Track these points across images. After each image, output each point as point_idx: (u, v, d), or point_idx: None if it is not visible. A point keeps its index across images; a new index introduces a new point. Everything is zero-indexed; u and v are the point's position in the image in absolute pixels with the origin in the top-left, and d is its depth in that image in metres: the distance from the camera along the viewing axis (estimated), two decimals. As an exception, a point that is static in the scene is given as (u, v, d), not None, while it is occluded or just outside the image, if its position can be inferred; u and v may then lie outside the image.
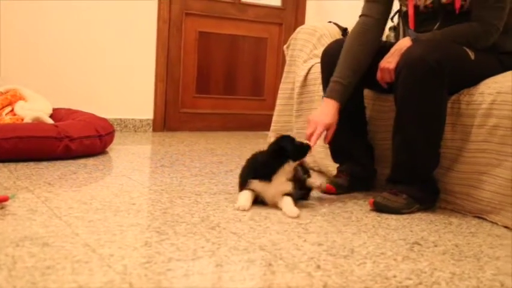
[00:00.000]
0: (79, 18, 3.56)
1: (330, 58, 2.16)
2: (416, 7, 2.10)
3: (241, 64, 4.26)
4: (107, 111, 3.54)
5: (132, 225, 1.56)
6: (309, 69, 2.71)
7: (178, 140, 3.56)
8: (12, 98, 2.95)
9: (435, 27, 2.05)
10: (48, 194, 1.85)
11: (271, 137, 2.95)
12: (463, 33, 1.95)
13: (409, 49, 1.90)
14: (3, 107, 2.90)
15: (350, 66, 2.04)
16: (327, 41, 2.73)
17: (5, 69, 3.37)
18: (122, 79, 3.75)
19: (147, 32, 3.80)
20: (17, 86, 3.09)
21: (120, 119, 3.77)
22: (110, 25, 3.66)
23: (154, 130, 3.91)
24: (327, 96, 2.04)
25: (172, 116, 4.01)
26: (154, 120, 3.91)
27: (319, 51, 2.73)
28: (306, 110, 2.68)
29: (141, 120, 3.86)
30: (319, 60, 2.69)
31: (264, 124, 4.12)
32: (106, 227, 1.52)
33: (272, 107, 3.76)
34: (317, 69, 2.61)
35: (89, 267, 1.20)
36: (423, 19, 2.10)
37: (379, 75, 2.02)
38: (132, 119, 3.82)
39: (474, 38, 1.95)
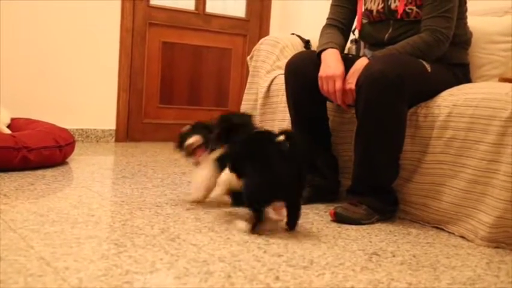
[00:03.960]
0: (39, 26, 3.50)
1: (293, 69, 2.18)
2: (369, 12, 2.17)
3: (206, 74, 4.25)
4: (68, 121, 3.48)
5: (90, 237, 1.53)
6: (272, 81, 2.73)
7: (141, 150, 3.52)
8: (-32, 108, 2.87)
9: (386, 35, 2.12)
10: (4, 206, 1.80)
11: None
12: (415, 45, 2.01)
13: (368, 65, 1.94)
14: (-42, 117, 2.82)
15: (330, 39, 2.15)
16: (289, 53, 2.76)
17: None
18: (84, 88, 3.69)
19: (110, 42, 3.77)
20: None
21: (82, 129, 3.71)
22: (72, 34, 3.61)
23: (116, 140, 3.86)
24: (324, 49, 2.09)
25: (135, 126, 3.97)
26: (117, 130, 3.87)
27: (282, 62, 2.76)
28: (269, 121, 2.69)
29: (103, 131, 3.81)
30: (282, 71, 2.72)
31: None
32: (62, 240, 1.48)
33: (236, 117, 3.75)
34: (280, 80, 2.63)
35: (42, 281, 1.17)
36: (375, 27, 2.17)
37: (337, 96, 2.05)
38: (94, 129, 3.77)
39: (426, 47, 2.01)
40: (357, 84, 1.95)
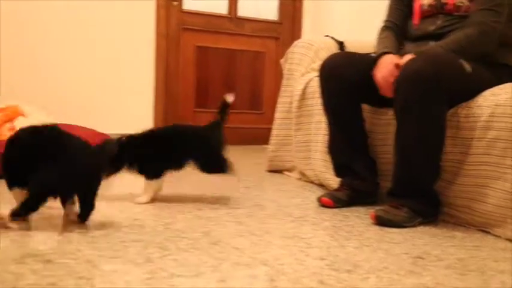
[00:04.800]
0: (78, 35, 3.58)
1: (329, 71, 2.17)
2: (421, 6, 2.16)
3: (240, 78, 4.27)
4: (107, 126, 3.54)
5: (135, 240, 1.55)
6: (307, 83, 2.73)
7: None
8: (12, 114, 2.95)
9: (433, 28, 2.10)
10: (51, 210, 1.84)
11: (273, 150, 2.95)
12: (459, 40, 1.98)
13: (406, 64, 1.92)
14: (3, 123, 2.90)
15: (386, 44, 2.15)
16: (324, 55, 2.75)
17: (5, 86, 3.38)
18: (121, 94, 3.76)
19: (145, 48, 3.82)
20: (17, 102, 3.09)
21: (121, 134, 3.76)
22: (109, 41, 3.68)
23: (153, 145, 3.91)
24: (380, 55, 2.07)
25: (171, 130, 4.01)
26: (154, 134, 3.91)
27: (317, 64, 2.75)
28: (306, 124, 2.69)
29: (140, 135, 3.86)
30: (317, 73, 2.71)
31: (262, 138, 4.12)
32: (108, 243, 1.51)
33: (271, 120, 3.76)
34: (316, 82, 2.62)
35: (91, 283, 1.19)
36: (424, 21, 2.14)
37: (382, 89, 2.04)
38: (132, 134, 3.82)
39: (471, 42, 1.98)
40: (395, 83, 1.93)
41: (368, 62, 2.10)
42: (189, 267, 1.35)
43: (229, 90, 4.24)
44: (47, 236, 1.54)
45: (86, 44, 3.60)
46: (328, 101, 2.21)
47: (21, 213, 1.59)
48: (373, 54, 2.16)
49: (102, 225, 1.69)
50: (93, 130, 3.01)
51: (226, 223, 1.82)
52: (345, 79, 2.12)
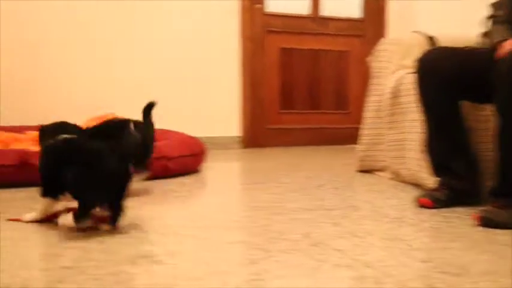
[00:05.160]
0: (165, 42, 3.71)
1: (426, 66, 2.11)
2: None
3: (324, 78, 4.26)
4: (196, 130, 3.64)
5: (238, 242, 1.59)
6: (399, 81, 2.67)
7: (266, 156, 3.60)
8: (110, 121, 3.11)
9: None
10: (155, 212, 1.93)
11: (363, 150, 2.92)
12: None
13: (510, 55, 1.83)
14: (102, 130, 3.06)
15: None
16: (414, 51, 2.68)
17: (100, 96, 3.56)
18: (208, 98, 3.85)
19: (231, 51, 3.90)
20: (111, 110, 3.25)
21: (209, 137, 3.86)
22: (195, 47, 3.78)
23: (242, 147, 3.98)
24: (499, 42, 1.97)
25: (258, 132, 4.07)
26: (243, 137, 3.98)
27: (408, 61, 2.69)
28: (399, 122, 2.63)
29: (229, 138, 3.95)
30: (408, 70, 2.65)
31: (349, 137, 4.09)
32: (214, 245, 1.56)
33: (357, 120, 3.73)
34: (407, 79, 2.57)
35: (205, 284, 1.24)
36: None
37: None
38: (221, 137, 3.91)
39: None
40: (496, 78, 1.85)
41: (469, 55, 2.03)
42: (292, 269, 1.36)
43: (314, 90, 4.24)
44: (155, 238, 1.61)
45: (173, 49, 3.72)
46: (425, 98, 2.14)
47: (82, 222, 1.61)
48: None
49: (204, 227, 1.74)
50: (185, 134, 3.12)
51: (323, 224, 1.82)
52: (444, 74, 2.05)
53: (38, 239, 1.58)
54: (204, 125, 3.85)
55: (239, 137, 3.98)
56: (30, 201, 2.02)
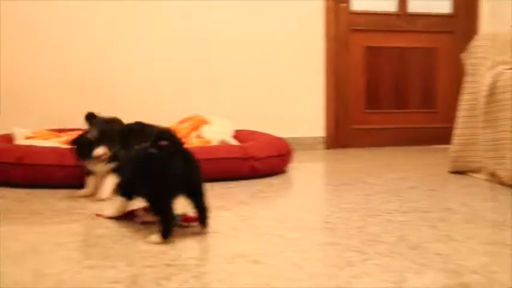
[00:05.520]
0: (250, 44, 3.74)
1: None
2: None
3: (411, 76, 4.13)
4: (280, 131, 3.65)
5: (331, 243, 1.57)
6: (497, 77, 2.54)
7: (352, 156, 3.54)
8: (198, 123, 3.18)
9: None
10: (244, 212, 1.95)
11: (456, 151, 2.79)
12: None
13: None
14: (191, 131, 3.14)
15: None
16: (514, 46, 2.54)
17: (189, 97, 3.65)
18: (292, 99, 3.85)
19: (315, 51, 3.88)
20: (201, 111, 3.33)
21: (293, 138, 3.85)
22: (279, 47, 3.79)
23: (326, 147, 3.95)
24: None
25: (343, 132, 4.02)
26: (326, 137, 3.95)
27: (506, 57, 2.56)
28: (496, 120, 2.50)
29: (313, 138, 3.92)
30: (506, 66, 2.52)
31: (437, 137, 3.94)
32: (307, 246, 1.55)
33: (446, 119, 3.59)
34: (508, 76, 2.44)
35: (300, 285, 1.23)
36: None
37: None
38: (305, 137, 3.90)
39: None
40: None
41: None
42: (393, 273, 1.32)
43: (400, 89, 4.12)
44: (247, 237, 1.62)
45: (257, 50, 3.75)
46: None
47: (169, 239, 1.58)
48: None
49: (296, 228, 1.74)
50: (270, 135, 3.13)
51: (419, 227, 1.76)
52: None
53: (136, 236, 1.63)
54: (288, 125, 3.85)
55: (323, 137, 3.94)
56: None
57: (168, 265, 1.35)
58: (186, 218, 1.71)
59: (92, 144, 2.06)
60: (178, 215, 1.69)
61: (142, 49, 3.59)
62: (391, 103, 4.13)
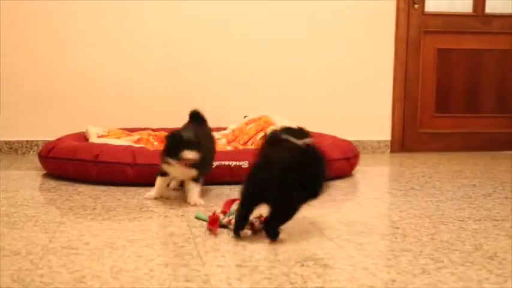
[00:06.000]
0: (317, 43, 3.72)
1: None
2: None
3: (485, 80, 3.97)
4: (345, 133, 3.60)
5: (404, 250, 1.54)
6: None
7: (420, 161, 3.45)
8: (264, 124, 3.19)
9: None
10: (313, 215, 1.93)
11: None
12: None
13: None
14: (257, 132, 3.16)
15: None
16: None
17: (256, 98, 3.68)
18: (358, 101, 3.79)
19: (384, 53, 3.80)
20: (267, 112, 3.34)
21: (358, 141, 3.80)
22: (347, 48, 3.75)
23: (392, 151, 3.86)
24: None
25: (410, 136, 3.92)
26: (392, 141, 3.87)
27: None
28: None
29: (379, 141, 3.85)
30: None
31: (511, 143, 3.78)
32: (378, 251, 1.52)
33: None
34: None
35: (375, 291, 1.21)
36: None
37: None
38: (370, 140, 3.83)
39: None
40: None
41: None
42: (470, 283, 1.28)
43: (472, 92, 3.98)
44: (317, 241, 1.61)
45: (324, 50, 3.72)
46: None
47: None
48: None
49: (365, 233, 1.71)
50: (336, 137, 3.10)
51: (497, 236, 1.69)
52: None
53: (206, 236, 1.65)
54: (353, 128, 3.79)
55: (389, 140, 3.86)
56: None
57: (240, 266, 1.36)
58: (261, 220, 1.69)
59: (183, 145, 1.98)
60: (255, 217, 1.68)
61: (203, 52, 3.63)
62: (462, 107, 3.99)
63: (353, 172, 2.90)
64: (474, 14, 3.91)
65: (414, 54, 3.87)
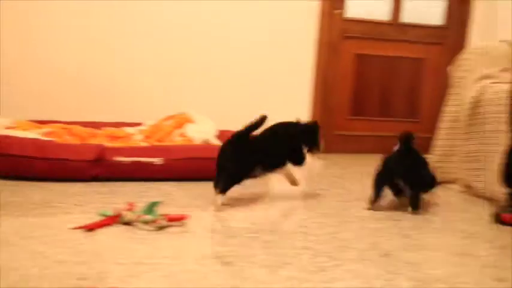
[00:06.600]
0: (239, 45, 3.74)
1: None
2: None
3: (398, 85, 4.16)
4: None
5: (305, 248, 1.58)
6: (482, 90, 2.56)
7: (333, 162, 3.55)
8: (182, 121, 3.17)
9: None
10: (221, 213, 1.95)
11: (436, 161, 2.81)
12: None
13: None
14: (174, 129, 3.13)
15: None
16: (500, 61, 2.58)
17: (175, 95, 3.65)
18: (279, 102, 3.85)
19: (305, 56, 3.88)
20: (185, 109, 3.32)
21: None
22: (269, 50, 3.79)
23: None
24: None
25: (325, 137, 4.02)
26: (309, 142, 3.96)
27: (492, 71, 2.60)
28: (478, 133, 2.53)
29: (296, 142, 3.93)
30: (492, 81, 2.55)
31: (418, 147, 3.96)
32: (280, 249, 1.56)
33: (428, 129, 3.61)
34: (491, 89, 2.48)
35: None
36: None
37: None
38: (288, 141, 3.90)
39: None
40: None
41: None
42: (363, 279, 1.34)
43: (386, 97, 4.15)
44: (220, 239, 1.63)
45: (246, 53, 3.75)
46: None
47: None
48: None
49: (271, 231, 1.74)
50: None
51: (392, 235, 1.78)
52: None
53: (111, 233, 1.63)
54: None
55: (307, 141, 3.95)
56: (111, 196, 2.09)
57: (138, 263, 1.35)
58: (168, 218, 1.70)
59: None
60: (160, 215, 1.69)
61: (126, 46, 3.57)
62: (376, 111, 4.15)
63: (268, 171, 2.95)
64: (392, 22, 4.08)
65: (334, 58, 3.98)
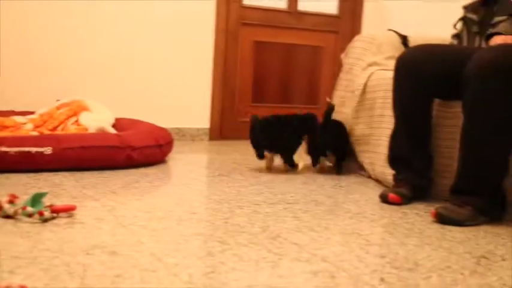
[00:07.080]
0: (137, 31, 3.67)
1: (407, 68, 2.11)
2: None
3: (297, 73, 4.26)
4: (165, 121, 3.62)
5: (195, 234, 1.58)
6: (369, 77, 2.69)
7: (234, 148, 3.59)
8: (77, 109, 3.06)
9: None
10: (113, 202, 1.91)
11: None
12: None
13: (480, 53, 1.87)
14: (68, 117, 3.02)
15: None
16: (386, 49, 2.71)
17: (70, 81, 3.51)
18: (179, 89, 3.83)
19: (204, 43, 3.87)
20: (81, 97, 3.21)
21: (178, 128, 3.84)
22: (168, 36, 3.75)
23: (210, 139, 3.97)
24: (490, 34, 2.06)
25: (228, 124, 4.06)
26: (211, 129, 3.97)
27: (379, 59, 2.71)
28: (366, 117, 2.65)
29: (198, 129, 3.93)
30: (379, 67, 2.67)
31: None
32: (170, 236, 1.55)
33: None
34: (378, 76, 2.60)
35: (156, 276, 1.23)
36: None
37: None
38: (189, 128, 3.89)
39: None
40: (465, 75, 1.87)
41: (449, 52, 2.08)
42: (249, 262, 1.36)
43: (286, 84, 4.24)
44: (110, 228, 1.60)
45: (145, 41, 3.68)
46: (401, 98, 2.15)
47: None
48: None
49: (162, 219, 1.73)
50: (153, 124, 3.09)
51: (284, 218, 1.83)
52: (423, 77, 2.07)
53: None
54: (173, 115, 3.82)
55: (208, 128, 3.96)
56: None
57: (17, 257, 1.29)
58: (53, 209, 1.64)
59: None
60: (45, 206, 1.64)
61: (15, 30, 3.39)
62: (277, 97, 4.24)
63: (166, 159, 2.92)
64: (288, 10, 4.16)
65: (233, 45, 4.01)
